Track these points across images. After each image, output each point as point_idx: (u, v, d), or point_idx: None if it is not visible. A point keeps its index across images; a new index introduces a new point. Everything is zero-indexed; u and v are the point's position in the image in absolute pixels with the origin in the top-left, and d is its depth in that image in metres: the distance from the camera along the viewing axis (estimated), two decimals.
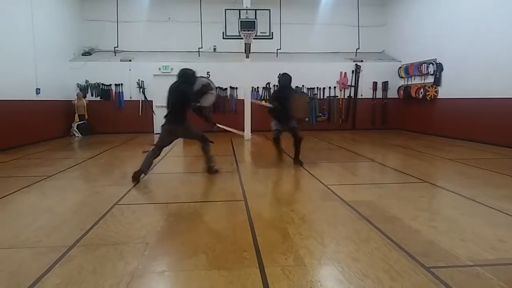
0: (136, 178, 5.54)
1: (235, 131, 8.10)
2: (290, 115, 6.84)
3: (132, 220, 3.87)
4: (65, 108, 12.39)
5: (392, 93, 14.18)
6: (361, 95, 14.30)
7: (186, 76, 5.93)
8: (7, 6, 9.34)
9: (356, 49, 14.74)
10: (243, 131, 11.37)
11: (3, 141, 8.91)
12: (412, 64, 13.03)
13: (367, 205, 4.27)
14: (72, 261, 2.88)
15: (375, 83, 14.23)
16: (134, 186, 5.35)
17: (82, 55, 13.80)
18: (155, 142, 5.98)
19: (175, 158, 8.50)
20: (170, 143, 6.15)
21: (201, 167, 6.33)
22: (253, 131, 11.53)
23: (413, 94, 12.92)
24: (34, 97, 10.51)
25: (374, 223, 3.66)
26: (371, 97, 14.28)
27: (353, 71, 14.21)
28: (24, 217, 4.08)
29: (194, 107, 5.91)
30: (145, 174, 5.72)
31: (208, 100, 6.65)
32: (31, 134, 10.19)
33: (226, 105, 13.73)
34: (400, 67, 13.85)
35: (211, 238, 3.33)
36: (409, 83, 13.38)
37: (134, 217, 3.97)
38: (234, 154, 8.48)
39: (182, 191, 5.21)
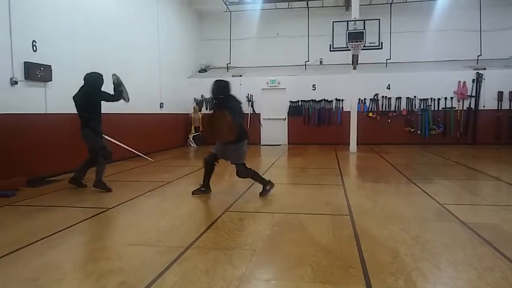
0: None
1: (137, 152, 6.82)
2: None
3: (240, 227, 4.06)
4: (183, 121, 13.64)
5: None
6: (483, 106, 12.89)
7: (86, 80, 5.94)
8: (136, 27, 10.68)
9: (478, 56, 13.40)
10: (349, 144, 11.13)
11: (136, 150, 10.09)
12: None
13: (491, 229, 3.82)
14: (187, 261, 3.12)
15: (500, 93, 12.70)
16: (242, 194, 5.62)
17: (199, 72, 15.09)
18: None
19: (280, 169, 8.68)
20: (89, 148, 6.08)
21: (306, 179, 6.34)
22: (359, 144, 11.21)
23: None
24: (158, 110, 11.80)
25: (500, 249, 3.25)
26: (496, 108, 12.78)
27: (473, 80, 12.92)
28: (147, 218, 4.57)
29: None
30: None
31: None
32: (155, 143, 11.40)
33: (332, 117, 13.65)
34: None
35: (316, 251, 3.32)
36: None
37: (242, 224, 4.17)
38: (339, 167, 8.33)
39: (287, 202, 5.30)
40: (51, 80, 7.13)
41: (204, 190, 5.62)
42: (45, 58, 6.99)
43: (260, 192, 5.50)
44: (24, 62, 6.58)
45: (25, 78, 6.60)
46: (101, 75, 6.09)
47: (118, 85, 6.12)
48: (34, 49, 6.80)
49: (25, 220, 4.41)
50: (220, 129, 5.11)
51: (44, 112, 7.08)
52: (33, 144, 6.75)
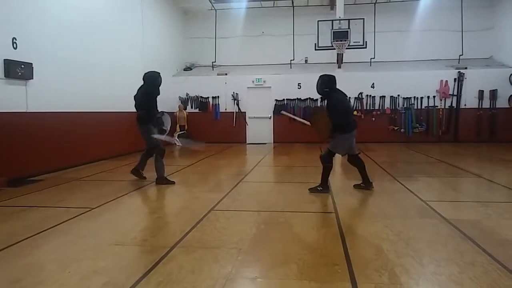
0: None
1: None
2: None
3: (226, 226, 4.06)
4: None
5: (502, 103, 12.83)
6: (465, 105, 13.15)
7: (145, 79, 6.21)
8: (120, 25, 10.54)
9: (459, 56, 13.65)
10: None
11: (119, 149, 10.00)
12: None
13: (472, 225, 3.91)
14: (173, 261, 3.10)
15: (481, 92, 12.98)
16: (228, 193, 5.61)
17: (184, 70, 15.00)
18: None
19: (266, 167, 8.69)
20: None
21: (292, 177, 6.37)
22: None
23: None
24: None
25: (481, 244, 3.33)
26: (477, 106, 13.06)
27: (455, 79, 13.16)
28: (132, 218, 4.53)
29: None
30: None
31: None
32: (138, 142, 11.24)
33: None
34: None
35: (301, 249, 3.34)
36: None
37: (228, 223, 4.16)
38: None
39: (273, 200, 5.31)
40: (32, 78, 6.98)
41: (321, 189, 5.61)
42: (26, 56, 6.83)
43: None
44: (4, 59, 6.43)
45: (5, 76, 6.44)
46: (159, 74, 6.26)
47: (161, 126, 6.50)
48: (15, 46, 6.64)
49: (6, 221, 4.32)
50: (318, 124, 5.65)
51: (25, 111, 6.93)
52: (14, 144, 6.61)
